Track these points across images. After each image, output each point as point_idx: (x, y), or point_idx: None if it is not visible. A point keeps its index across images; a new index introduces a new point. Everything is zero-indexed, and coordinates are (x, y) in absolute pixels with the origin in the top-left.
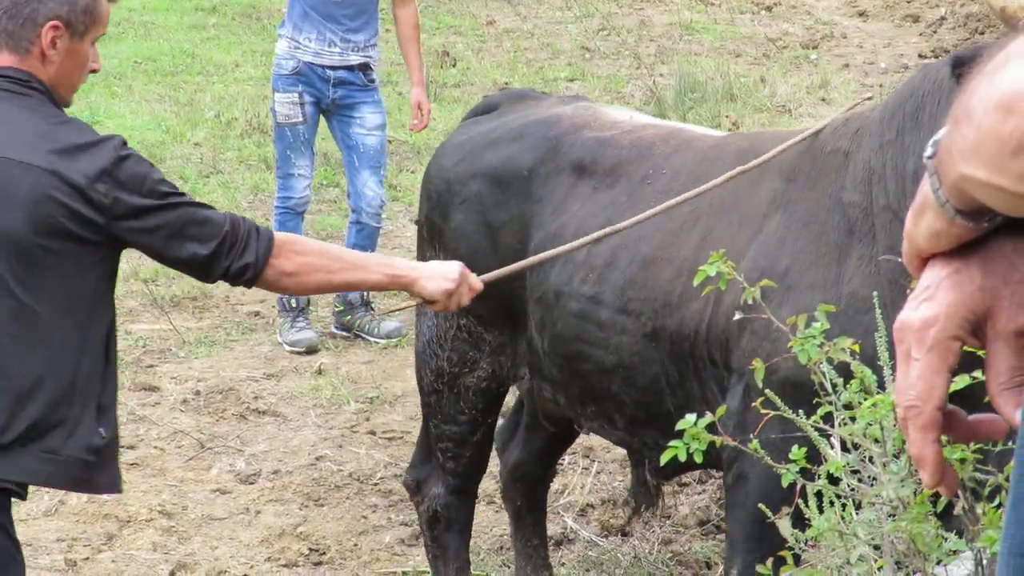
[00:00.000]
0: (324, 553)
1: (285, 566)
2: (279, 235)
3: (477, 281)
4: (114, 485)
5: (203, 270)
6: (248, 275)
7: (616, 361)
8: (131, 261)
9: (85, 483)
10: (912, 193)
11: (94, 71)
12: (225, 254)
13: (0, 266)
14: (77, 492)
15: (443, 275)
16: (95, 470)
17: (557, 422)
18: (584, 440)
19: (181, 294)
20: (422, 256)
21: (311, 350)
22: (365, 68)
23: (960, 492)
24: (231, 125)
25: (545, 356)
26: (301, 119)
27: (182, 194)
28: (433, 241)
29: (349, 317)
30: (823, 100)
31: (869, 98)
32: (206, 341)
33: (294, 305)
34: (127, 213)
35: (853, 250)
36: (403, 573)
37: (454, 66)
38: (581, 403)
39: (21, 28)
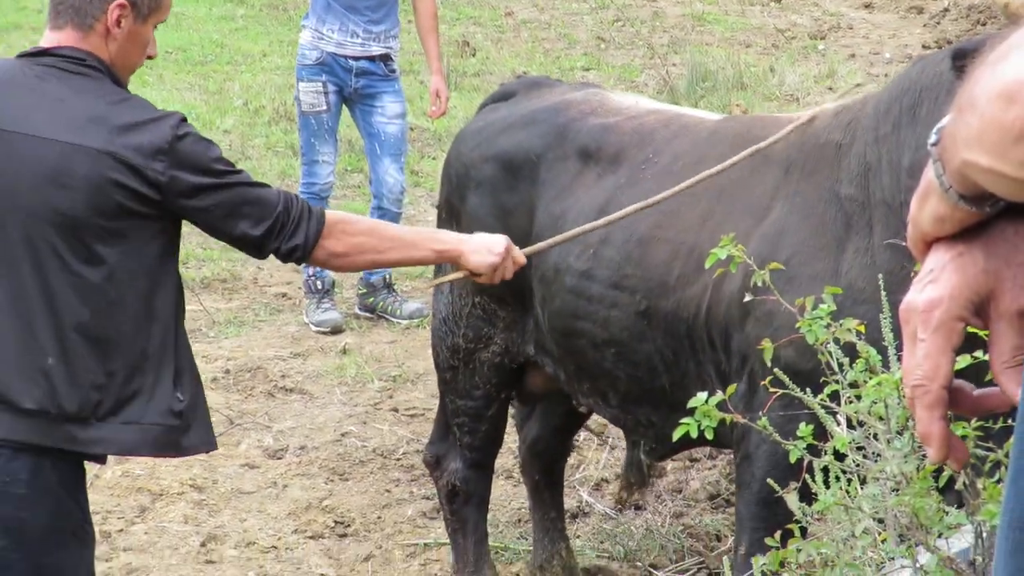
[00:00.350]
0: (349, 525)
1: (311, 538)
2: (331, 215)
3: (520, 255)
4: (206, 444)
5: (255, 248)
6: (298, 255)
7: (607, 336)
8: None
9: (171, 447)
10: (907, 187)
11: (150, 57)
12: (276, 234)
13: (64, 246)
14: (164, 457)
15: (489, 248)
16: (179, 433)
17: (562, 401)
18: (598, 417)
19: (211, 276)
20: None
21: (336, 330)
22: (386, 58)
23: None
24: (259, 113)
25: (546, 332)
26: (325, 108)
27: (239, 172)
28: (452, 223)
29: (372, 299)
30: (830, 89)
31: (859, 85)
32: (235, 321)
33: (320, 287)
34: (183, 191)
35: (850, 243)
36: (424, 545)
37: (474, 56)
38: (578, 379)
39: (88, 4)
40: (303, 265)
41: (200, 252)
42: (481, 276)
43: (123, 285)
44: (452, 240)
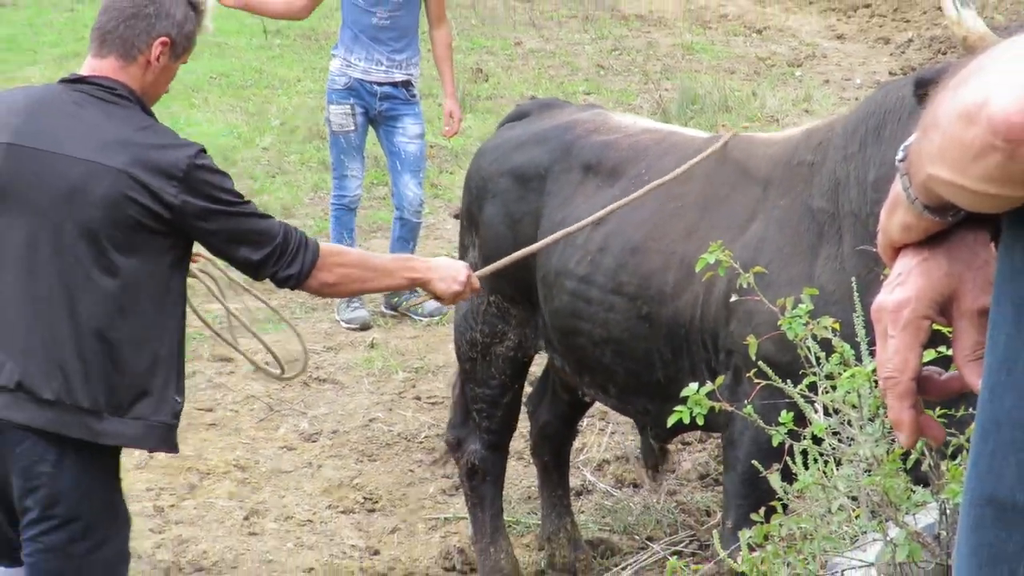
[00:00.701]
0: (377, 501)
1: (343, 512)
2: (324, 247)
3: (476, 281)
4: (177, 446)
5: (253, 271)
6: (292, 283)
7: (606, 335)
8: None
9: (167, 443)
10: (873, 200)
11: (166, 92)
12: (274, 262)
13: (85, 256)
14: (159, 452)
15: (453, 277)
16: (174, 431)
17: (571, 390)
18: (600, 405)
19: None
20: (463, 242)
21: (364, 327)
22: (407, 84)
23: (927, 451)
24: (294, 132)
25: (549, 329)
26: (352, 128)
27: (246, 203)
28: (470, 230)
29: (397, 298)
30: (806, 111)
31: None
32: (274, 319)
33: None
34: (193, 214)
35: (822, 250)
36: (444, 519)
37: (486, 81)
38: (579, 373)
39: (136, 37)
40: None
41: None
42: (444, 300)
43: (137, 294)
44: (422, 268)
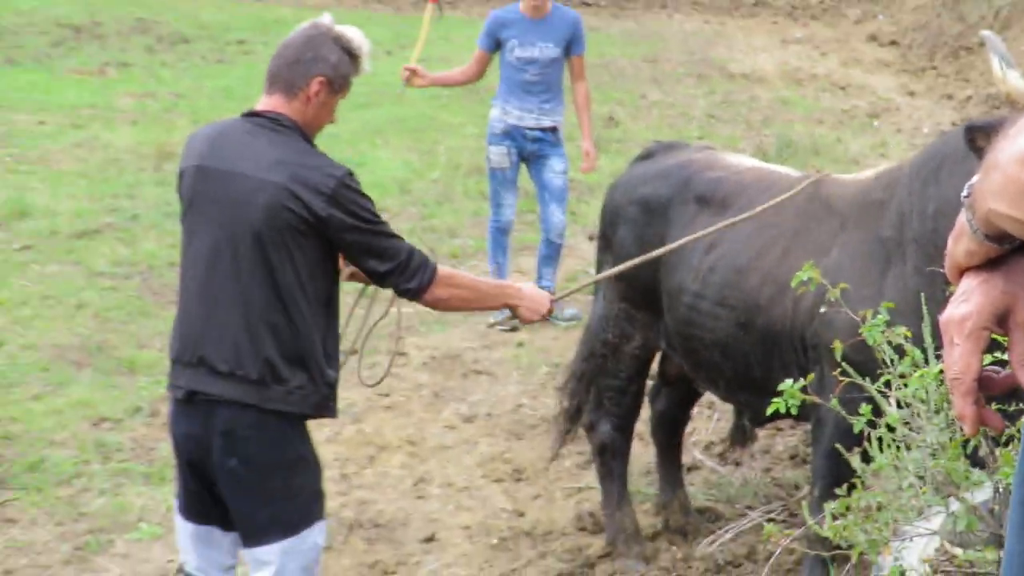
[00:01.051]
0: (522, 472)
1: (494, 481)
2: (441, 270)
3: (553, 309)
4: (336, 412)
5: (379, 281)
6: (410, 295)
7: (714, 339)
8: None
9: (323, 409)
10: (931, 229)
11: (332, 122)
12: (397, 275)
13: (254, 255)
14: (318, 418)
15: (536, 308)
16: (331, 400)
17: (685, 383)
18: (708, 396)
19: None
20: (599, 259)
21: (514, 329)
22: (554, 129)
23: (984, 439)
24: (458, 167)
25: (672, 334)
26: (508, 165)
27: (382, 223)
28: (606, 249)
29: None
30: (882, 155)
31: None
32: (440, 321)
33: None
34: (337, 226)
35: (890, 271)
36: (579, 488)
37: (617, 127)
38: (695, 370)
39: (297, 78)
40: (489, 275)
41: None
42: (525, 322)
43: (292, 287)
44: (515, 296)
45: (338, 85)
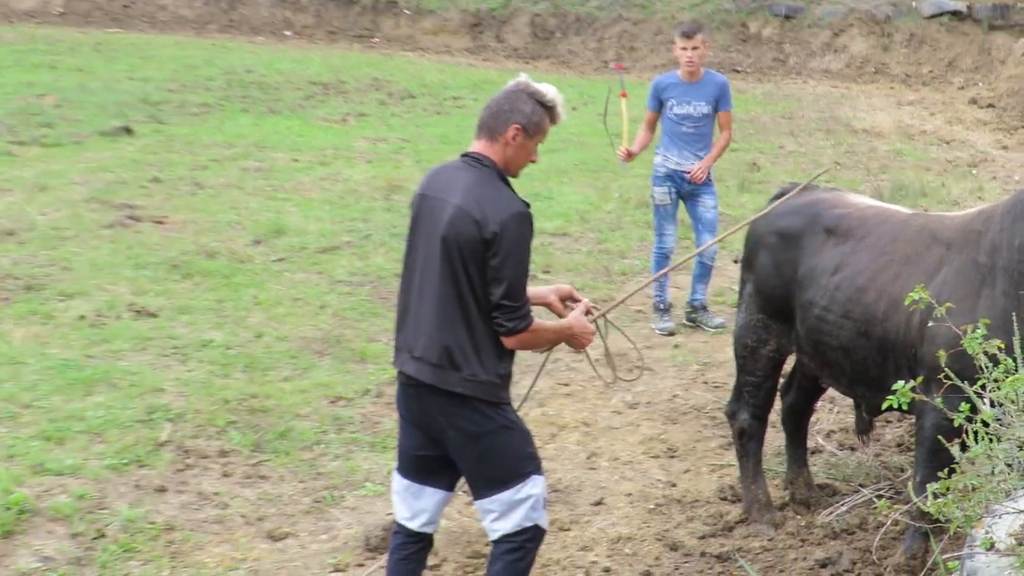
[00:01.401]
0: (676, 451)
1: (653, 457)
2: (533, 324)
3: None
4: (506, 398)
5: (489, 307)
6: (502, 331)
7: (838, 344)
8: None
9: (493, 395)
10: (1017, 260)
11: (533, 162)
12: (506, 312)
13: (453, 268)
14: (490, 403)
15: (588, 331)
16: (500, 389)
17: (811, 380)
18: (830, 392)
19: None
20: (743, 279)
21: (671, 333)
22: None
23: None
24: (628, 201)
25: (802, 339)
26: (669, 202)
27: (526, 268)
28: (748, 271)
29: (694, 315)
30: (979, 198)
31: (827, 169)
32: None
33: (662, 307)
34: (493, 248)
35: (983, 292)
36: (721, 465)
37: (758, 171)
38: (821, 369)
39: (498, 124)
40: (653, 290)
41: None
42: (575, 349)
43: (469, 293)
44: (566, 335)
45: (532, 131)
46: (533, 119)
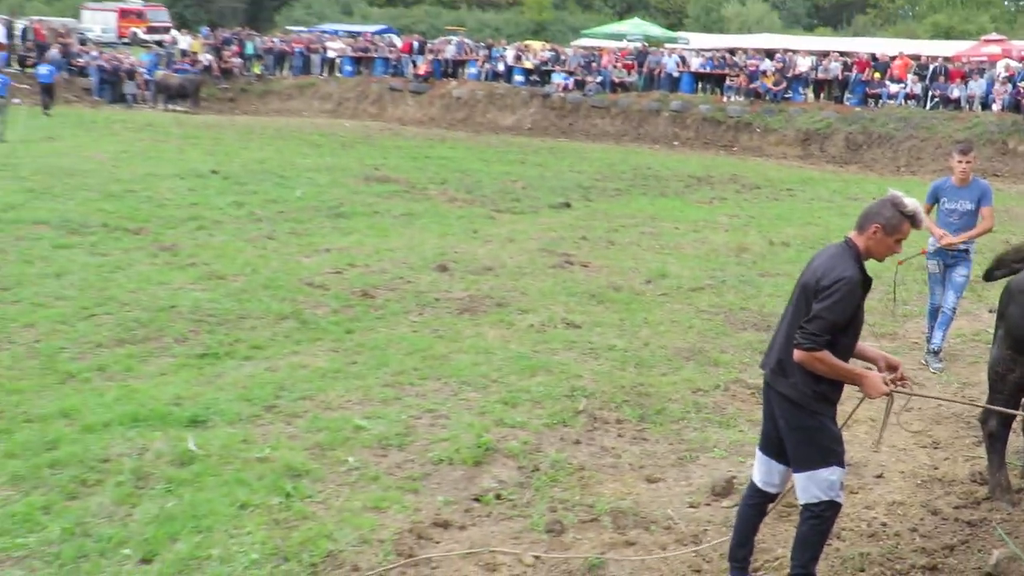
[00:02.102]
0: (939, 444)
1: (921, 447)
2: (822, 353)
3: (885, 389)
4: (818, 408)
5: (796, 327)
6: (792, 344)
7: None
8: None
9: (808, 403)
10: None
11: (895, 252)
12: (805, 334)
13: (792, 306)
14: (809, 409)
15: (876, 390)
16: (813, 400)
17: None
18: None
19: (874, 332)
20: (997, 324)
21: (939, 372)
22: (966, 251)
23: None
24: (910, 266)
25: None
26: (938, 271)
27: (831, 314)
28: (1001, 319)
29: (928, 356)
30: None
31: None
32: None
33: (935, 351)
34: (815, 296)
35: None
36: (973, 456)
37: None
38: None
39: (866, 223)
40: (926, 336)
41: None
42: (868, 397)
43: (792, 320)
44: (860, 379)
45: (889, 230)
46: (891, 222)
